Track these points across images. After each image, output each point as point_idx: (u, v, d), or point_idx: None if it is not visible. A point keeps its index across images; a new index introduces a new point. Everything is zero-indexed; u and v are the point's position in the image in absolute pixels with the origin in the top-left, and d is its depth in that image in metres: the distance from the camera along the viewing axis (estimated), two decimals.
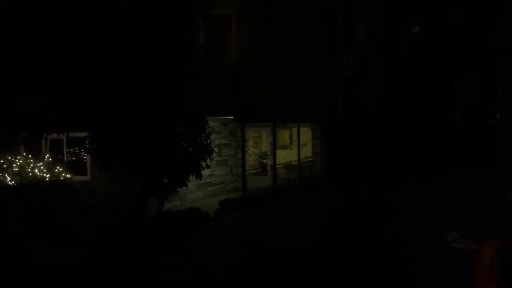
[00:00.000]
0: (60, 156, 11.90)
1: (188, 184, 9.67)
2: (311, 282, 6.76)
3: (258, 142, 17.24)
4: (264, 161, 16.20)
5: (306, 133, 16.45)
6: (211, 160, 9.78)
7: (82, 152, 11.80)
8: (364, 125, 18.99)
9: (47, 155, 11.71)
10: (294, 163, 15.47)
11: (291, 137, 18.06)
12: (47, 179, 11.06)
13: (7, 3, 6.19)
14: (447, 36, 22.50)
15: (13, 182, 10.80)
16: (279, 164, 14.58)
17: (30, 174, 11.11)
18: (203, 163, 9.52)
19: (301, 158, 15.46)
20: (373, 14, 20.93)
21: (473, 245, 4.72)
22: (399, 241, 5.34)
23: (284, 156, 16.58)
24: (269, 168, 15.01)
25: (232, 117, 12.24)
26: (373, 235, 8.90)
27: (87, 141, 9.42)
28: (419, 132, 20.75)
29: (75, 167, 11.81)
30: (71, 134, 10.57)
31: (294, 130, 16.07)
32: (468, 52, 21.45)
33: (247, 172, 12.33)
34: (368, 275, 6.86)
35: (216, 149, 11.55)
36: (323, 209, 12.32)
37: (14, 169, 11.05)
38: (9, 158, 11.14)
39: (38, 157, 11.55)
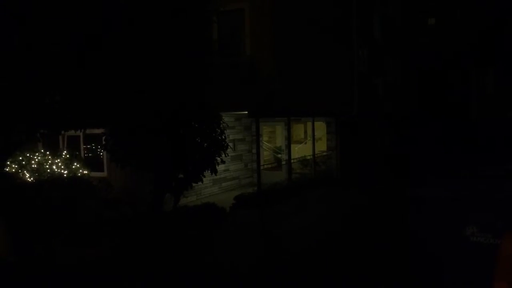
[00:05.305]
0: (77, 153, 12.05)
1: (204, 179, 9.71)
2: (332, 279, 6.75)
3: (272, 137, 17.23)
4: (279, 156, 16.19)
5: (320, 128, 16.38)
6: (226, 155, 9.80)
7: (99, 148, 11.92)
8: (380, 119, 18.84)
9: (65, 151, 11.86)
10: (309, 157, 15.43)
11: (305, 132, 18.01)
12: (65, 175, 11.22)
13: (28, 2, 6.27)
14: (464, 28, 22.15)
15: (31, 179, 10.98)
16: (293, 159, 14.56)
17: (48, 170, 11.28)
18: (218, 159, 9.55)
19: (316, 152, 15.41)
20: (389, 6, 20.69)
21: (493, 240, 4.66)
22: (418, 236, 5.29)
23: (299, 151, 16.55)
24: (283, 163, 14.99)
25: (246, 112, 12.25)
26: (391, 229, 8.83)
27: (103, 138, 9.52)
28: (436, 126, 20.51)
29: (92, 163, 11.94)
30: (88, 131, 10.66)
31: (309, 124, 16.02)
32: (485, 44, 21.10)
33: (262, 167, 12.33)
34: (388, 269, 6.82)
35: (230, 144, 11.57)
36: (340, 204, 12.26)
37: (33, 166, 11.23)
38: (28, 155, 11.32)
39: (55, 153, 11.71)
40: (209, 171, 9.51)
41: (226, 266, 7.35)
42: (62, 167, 11.40)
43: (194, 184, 9.74)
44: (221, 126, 9.62)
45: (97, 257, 7.71)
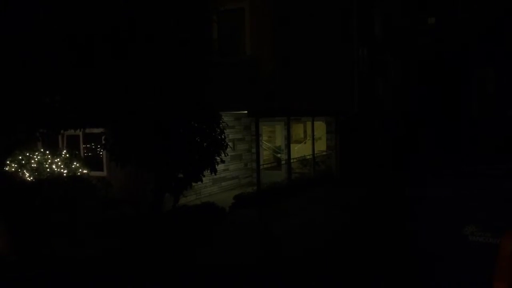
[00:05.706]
0: (76, 152, 12.05)
1: (203, 179, 9.71)
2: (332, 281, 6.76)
3: (272, 136, 17.23)
4: (278, 155, 16.19)
5: (320, 127, 16.38)
6: (226, 155, 9.81)
7: (98, 148, 11.92)
8: (380, 118, 18.85)
9: (64, 151, 11.87)
10: (308, 157, 15.43)
11: (305, 131, 18.01)
12: (64, 174, 11.22)
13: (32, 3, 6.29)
14: (464, 27, 22.14)
15: (31, 178, 10.98)
16: (293, 159, 14.56)
17: (48, 169, 11.28)
18: (218, 158, 9.56)
19: (316, 152, 15.41)
20: (389, 6, 20.69)
21: (492, 239, 4.66)
22: (417, 235, 5.29)
23: (298, 150, 16.54)
24: (283, 162, 14.99)
25: (246, 111, 12.24)
26: (391, 229, 8.83)
27: (103, 137, 9.52)
28: (436, 125, 20.52)
29: (92, 162, 11.94)
30: (87, 130, 10.66)
31: (308, 124, 16.02)
32: (486, 43, 21.08)
33: (261, 167, 12.34)
34: (386, 270, 6.83)
35: (230, 144, 11.56)
36: (339, 204, 12.26)
37: (33, 165, 11.23)
38: (28, 154, 11.32)
39: (55, 153, 11.71)
40: (208, 171, 9.52)
41: (225, 265, 7.35)
42: (62, 166, 11.41)
43: (193, 184, 9.74)
44: (221, 125, 9.62)
45: (96, 257, 7.71)
